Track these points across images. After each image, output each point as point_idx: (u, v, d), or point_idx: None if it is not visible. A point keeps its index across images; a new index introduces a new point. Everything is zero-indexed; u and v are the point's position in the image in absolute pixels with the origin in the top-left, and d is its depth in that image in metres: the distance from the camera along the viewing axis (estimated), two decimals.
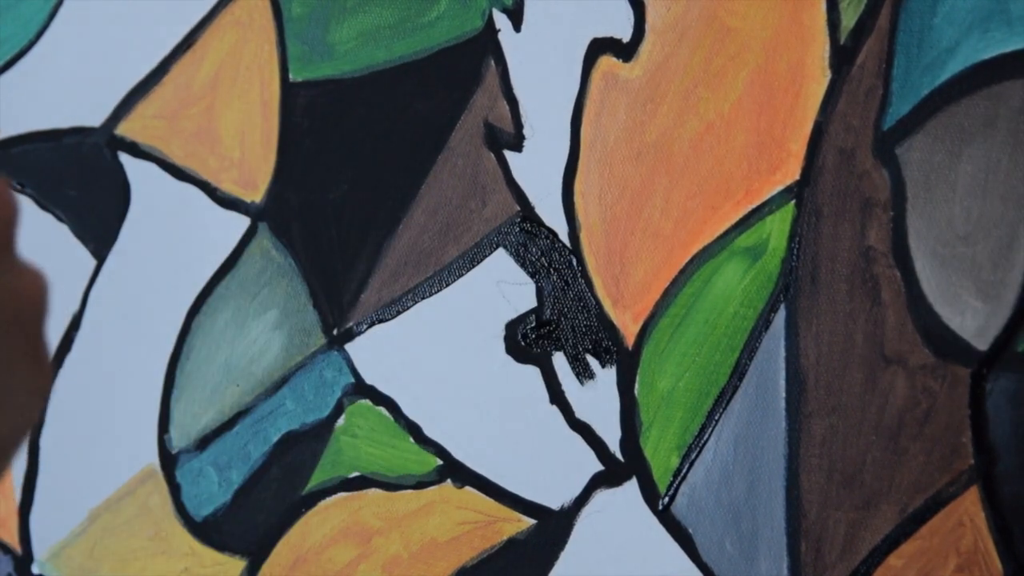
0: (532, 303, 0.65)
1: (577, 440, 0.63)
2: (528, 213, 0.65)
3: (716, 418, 0.59)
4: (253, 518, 0.72)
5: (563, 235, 0.64)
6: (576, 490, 0.63)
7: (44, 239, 0.79)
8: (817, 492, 0.56)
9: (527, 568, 0.65)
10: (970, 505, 0.53)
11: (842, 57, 0.57)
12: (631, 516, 0.61)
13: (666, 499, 0.61)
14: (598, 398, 0.63)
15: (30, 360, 0.37)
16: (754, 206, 0.59)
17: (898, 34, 0.56)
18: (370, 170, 0.70)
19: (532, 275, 0.65)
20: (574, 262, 0.64)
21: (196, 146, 0.76)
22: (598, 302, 0.63)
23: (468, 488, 0.67)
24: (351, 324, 0.69)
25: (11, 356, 0.36)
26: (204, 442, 0.74)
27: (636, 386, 0.62)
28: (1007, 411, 0.53)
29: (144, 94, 0.78)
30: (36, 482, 0.82)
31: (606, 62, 0.63)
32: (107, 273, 0.79)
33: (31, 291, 0.37)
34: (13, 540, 0.82)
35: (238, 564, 0.72)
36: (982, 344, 0.53)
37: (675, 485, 0.60)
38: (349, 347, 0.69)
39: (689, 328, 0.60)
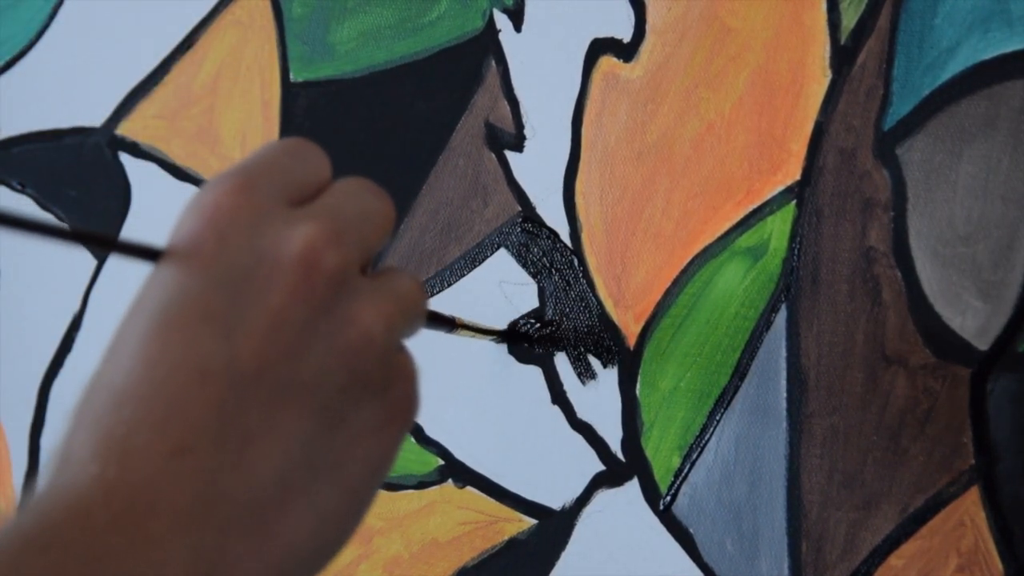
0: (534, 303, 0.65)
1: (578, 440, 0.63)
2: (529, 213, 0.65)
3: (717, 418, 0.59)
4: None
5: (564, 235, 0.64)
6: (577, 490, 0.63)
7: (45, 239, 0.79)
8: (818, 492, 0.56)
9: (528, 568, 0.65)
10: (971, 505, 0.53)
11: (843, 57, 0.57)
12: (632, 516, 0.61)
13: (667, 499, 0.61)
14: (599, 398, 0.63)
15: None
16: (755, 206, 0.59)
17: (899, 34, 0.56)
18: (371, 170, 0.70)
19: (534, 275, 0.65)
20: (575, 262, 0.64)
21: (197, 146, 0.76)
22: (600, 302, 0.63)
23: (469, 488, 0.67)
24: None
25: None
26: None
27: (637, 386, 0.62)
28: (1008, 411, 0.53)
29: (145, 94, 0.78)
30: (36, 482, 0.81)
31: (607, 62, 0.63)
32: (107, 273, 0.79)
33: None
34: None
35: None
36: (983, 344, 0.53)
37: (676, 485, 0.60)
38: None
39: (690, 328, 0.60)
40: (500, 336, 0.64)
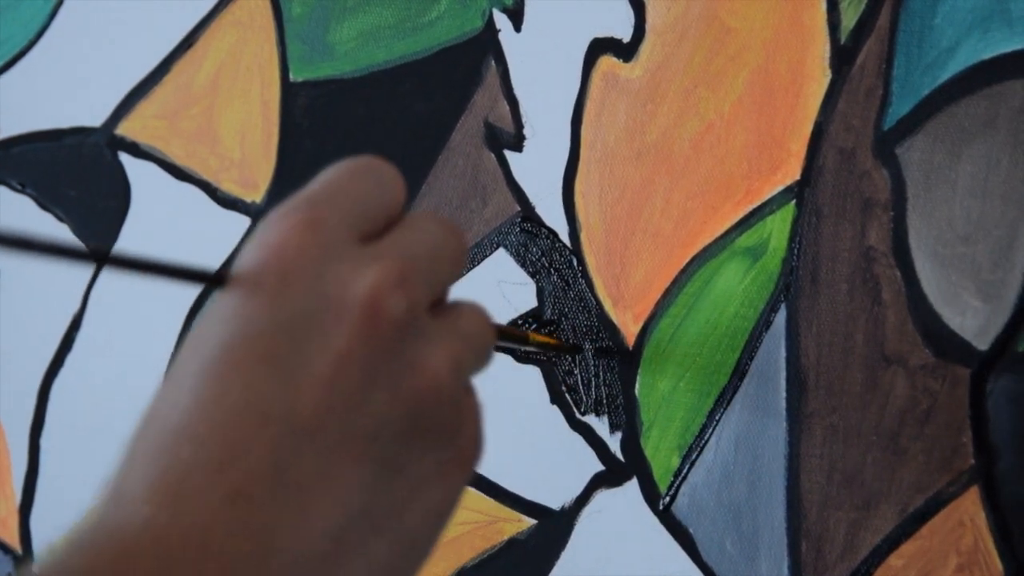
0: (532, 303, 0.65)
1: (578, 440, 0.63)
2: (528, 213, 0.65)
3: (717, 418, 0.59)
4: None
5: (563, 235, 0.64)
6: (577, 490, 0.63)
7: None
8: (818, 492, 0.56)
9: (528, 568, 0.65)
10: (970, 505, 0.53)
11: (842, 57, 0.57)
12: (632, 516, 0.61)
13: (667, 499, 0.61)
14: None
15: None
16: (754, 206, 0.59)
17: (898, 34, 0.56)
18: None
19: (533, 275, 0.65)
20: (574, 262, 0.64)
21: (196, 146, 0.76)
22: (599, 302, 0.63)
23: (469, 488, 0.67)
24: None
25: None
26: None
27: (637, 386, 0.62)
28: (1007, 411, 0.53)
29: (144, 94, 0.78)
30: (36, 482, 0.82)
31: (606, 62, 0.63)
32: (108, 273, 0.79)
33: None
34: (13, 540, 0.82)
35: None
36: (983, 344, 0.53)
37: (676, 485, 0.60)
38: None
39: (690, 328, 0.60)
40: (570, 350, 0.62)
